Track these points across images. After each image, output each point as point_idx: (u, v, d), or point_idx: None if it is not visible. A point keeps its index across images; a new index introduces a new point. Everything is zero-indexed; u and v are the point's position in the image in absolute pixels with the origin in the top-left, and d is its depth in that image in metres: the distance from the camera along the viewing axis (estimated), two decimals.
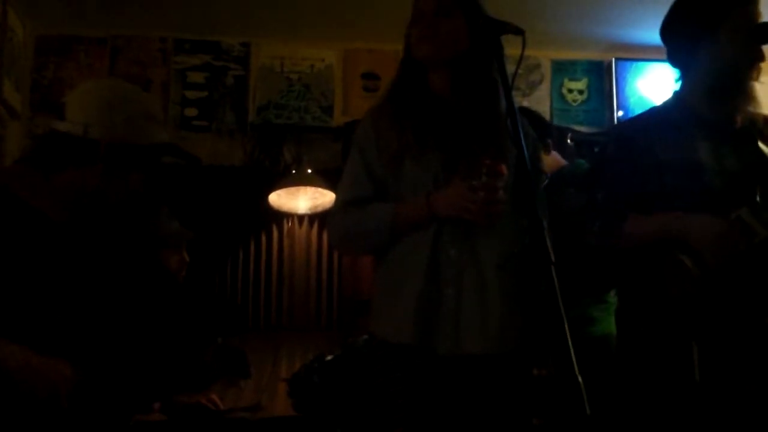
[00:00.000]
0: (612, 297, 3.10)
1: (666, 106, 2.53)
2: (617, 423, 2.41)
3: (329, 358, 3.24)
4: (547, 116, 5.19)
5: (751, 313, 2.25)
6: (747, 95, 2.40)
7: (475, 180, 2.10)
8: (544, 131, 3.39)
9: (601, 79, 5.68)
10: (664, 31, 2.52)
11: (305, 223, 5.24)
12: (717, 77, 2.40)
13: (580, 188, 2.72)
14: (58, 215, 2.02)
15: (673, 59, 2.52)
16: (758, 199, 2.25)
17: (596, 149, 2.61)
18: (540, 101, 5.55)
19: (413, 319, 2.16)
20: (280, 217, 5.18)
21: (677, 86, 2.54)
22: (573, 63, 5.69)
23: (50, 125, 2.05)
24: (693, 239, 2.23)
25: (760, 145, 2.39)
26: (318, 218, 5.18)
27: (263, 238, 5.18)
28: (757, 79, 2.40)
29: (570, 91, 5.65)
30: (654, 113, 2.55)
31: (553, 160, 3.34)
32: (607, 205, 2.41)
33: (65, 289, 1.98)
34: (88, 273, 2.06)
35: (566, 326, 1.69)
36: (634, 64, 5.59)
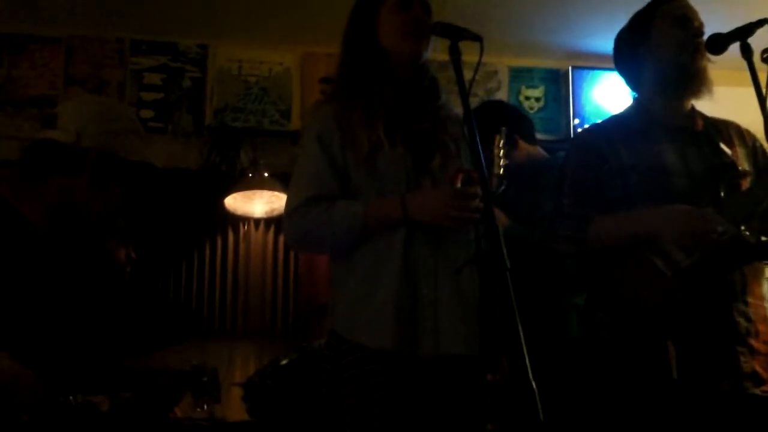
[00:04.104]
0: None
1: (628, 113, 2.58)
2: (584, 424, 2.43)
3: (284, 362, 3.22)
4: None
5: (720, 310, 2.27)
6: (696, 83, 2.44)
7: (451, 186, 2.10)
8: (516, 124, 3.25)
9: (558, 86, 5.72)
10: (614, 51, 2.61)
11: (261, 226, 5.21)
12: (661, 74, 2.46)
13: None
14: (38, 220, 2.03)
15: (623, 71, 2.60)
16: (722, 196, 2.28)
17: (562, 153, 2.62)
18: None
19: (393, 322, 2.10)
20: (236, 220, 5.15)
21: (633, 96, 2.59)
22: (530, 70, 5.72)
23: (41, 134, 2.08)
24: (661, 237, 2.25)
25: (722, 146, 2.43)
26: (274, 222, 5.14)
27: (218, 242, 5.14)
28: (704, 65, 2.44)
29: (527, 98, 5.68)
30: (617, 120, 2.60)
31: (522, 151, 3.27)
32: (573, 211, 2.43)
33: (37, 293, 1.98)
34: (60, 279, 2.07)
35: (521, 332, 1.70)
36: (591, 72, 5.64)
